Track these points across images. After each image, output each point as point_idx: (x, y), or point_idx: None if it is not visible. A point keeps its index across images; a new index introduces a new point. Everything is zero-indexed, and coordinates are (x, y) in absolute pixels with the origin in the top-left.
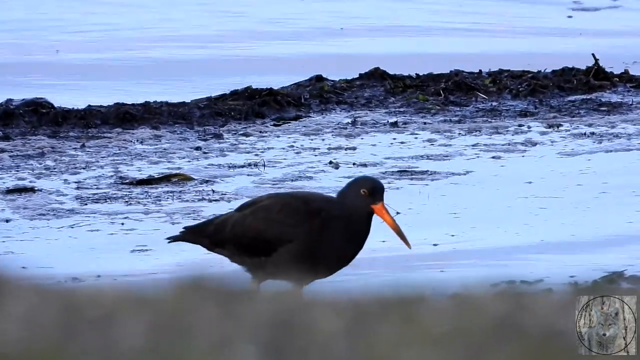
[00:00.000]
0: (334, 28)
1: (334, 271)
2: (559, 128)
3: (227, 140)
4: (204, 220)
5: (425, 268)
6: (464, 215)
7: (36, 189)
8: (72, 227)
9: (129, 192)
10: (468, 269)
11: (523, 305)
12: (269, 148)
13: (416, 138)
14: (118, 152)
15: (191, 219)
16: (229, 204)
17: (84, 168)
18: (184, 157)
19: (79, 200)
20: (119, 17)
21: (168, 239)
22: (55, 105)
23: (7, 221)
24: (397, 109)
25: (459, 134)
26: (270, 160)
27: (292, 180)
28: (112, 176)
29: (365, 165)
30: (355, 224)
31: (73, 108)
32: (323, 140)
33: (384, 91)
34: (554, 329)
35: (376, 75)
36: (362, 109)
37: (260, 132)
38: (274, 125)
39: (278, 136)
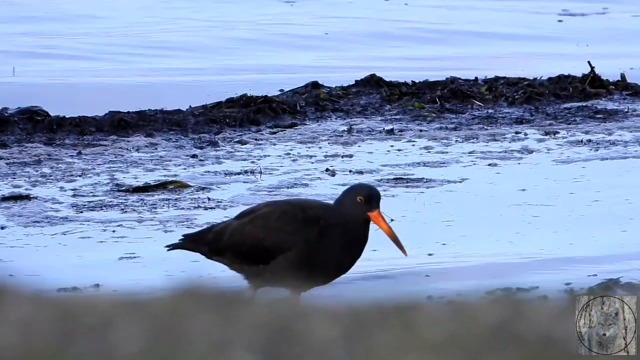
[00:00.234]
0: (327, 34)
1: (332, 279)
2: (555, 135)
3: (223, 147)
4: (203, 228)
5: (420, 275)
6: (459, 223)
7: (32, 196)
8: (65, 235)
9: (125, 199)
10: (463, 277)
11: (520, 311)
12: (265, 155)
13: (412, 145)
14: (114, 159)
15: (185, 227)
16: (224, 211)
17: (80, 175)
18: (179, 165)
19: (75, 207)
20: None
21: (167, 246)
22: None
23: (2, 228)
24: (393, 117)
25: (455, 141)
26: (266, 168)
27: (288, 188)
28: (108, 183)
29: (361, 172)
30: (353, 231)
31: (67, 116)
32: (319, 147)
33: (380, 98)
34: (550, 335)
35: (372, 83)
36: (358, 117)
37: (256, 139)
38: (270, 132)
39: (274, 144)
